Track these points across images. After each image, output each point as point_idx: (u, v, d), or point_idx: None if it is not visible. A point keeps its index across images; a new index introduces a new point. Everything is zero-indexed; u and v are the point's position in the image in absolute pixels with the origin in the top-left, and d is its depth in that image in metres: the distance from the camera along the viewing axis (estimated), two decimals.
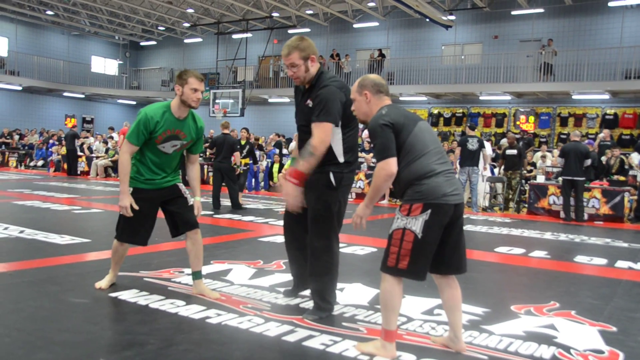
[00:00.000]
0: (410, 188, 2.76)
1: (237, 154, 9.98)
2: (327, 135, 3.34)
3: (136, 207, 3.71)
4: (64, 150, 18.48)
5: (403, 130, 2.79)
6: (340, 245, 6.03)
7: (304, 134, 3.57)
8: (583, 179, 10.21)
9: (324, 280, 3.54)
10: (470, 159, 11.00)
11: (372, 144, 2.82)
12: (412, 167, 2.77)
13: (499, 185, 12.52)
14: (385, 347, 2.82)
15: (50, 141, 21.25)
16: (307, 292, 3.91)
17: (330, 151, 3.43)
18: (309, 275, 3.62)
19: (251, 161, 12.04)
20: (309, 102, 3.49)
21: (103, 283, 3.96)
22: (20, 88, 25.37)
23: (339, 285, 4.30)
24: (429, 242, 2.73)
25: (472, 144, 11.00)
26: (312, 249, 3.56)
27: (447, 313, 3.03)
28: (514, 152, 11.73)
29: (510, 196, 11.82)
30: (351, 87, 3.16)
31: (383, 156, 2.75)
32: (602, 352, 3.06)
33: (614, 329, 3.50)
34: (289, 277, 4.52)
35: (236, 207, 9.74)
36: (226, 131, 9.94)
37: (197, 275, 3.92)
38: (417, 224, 2.71)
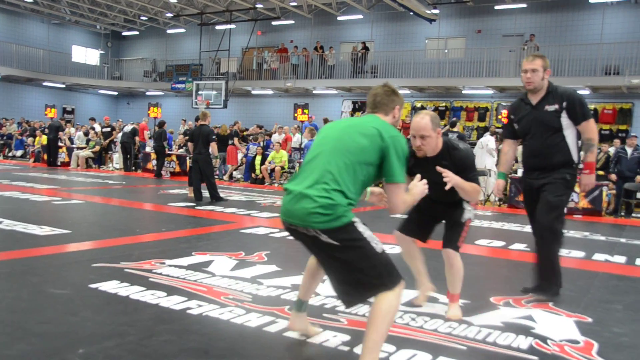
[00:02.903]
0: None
1: (213, 144, 9.84)
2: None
3: None
4: (44, 140, 18.20)
5: None
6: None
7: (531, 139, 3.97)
8: None
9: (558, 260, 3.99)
10: None
11: (468, 172, 3.29)
12: None
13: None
14: (460, 308, 3.53)
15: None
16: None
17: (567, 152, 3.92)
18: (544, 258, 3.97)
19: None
20: (552, 107, 3.85)
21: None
22: None
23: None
24: None
25: None
26: (553, 232, 3.88)
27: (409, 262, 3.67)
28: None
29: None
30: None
31: (478, 182, 3.43)
32: (577, 342, 3.12)
33: (590, 319, 3.56)
34: (270, 268, 4.54)
35: (215, 200, 9.63)
36: (203, 122, 9.83)
37: (305, 306, 3.02)
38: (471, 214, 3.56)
